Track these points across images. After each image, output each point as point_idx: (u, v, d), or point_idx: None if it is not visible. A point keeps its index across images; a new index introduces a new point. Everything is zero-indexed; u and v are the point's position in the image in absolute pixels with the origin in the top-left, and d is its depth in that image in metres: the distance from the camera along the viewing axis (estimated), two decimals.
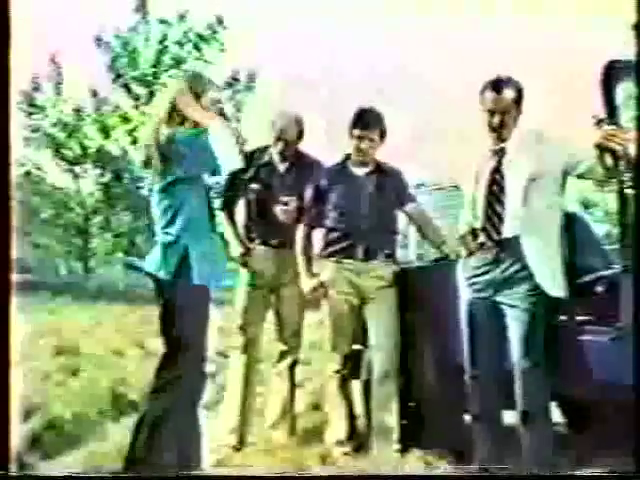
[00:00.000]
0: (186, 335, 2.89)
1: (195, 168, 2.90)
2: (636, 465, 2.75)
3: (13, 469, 2.90)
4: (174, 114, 2.92)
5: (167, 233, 2.92)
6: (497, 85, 2.98)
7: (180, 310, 2.89)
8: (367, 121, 3.52)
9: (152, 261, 2.96)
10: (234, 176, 3.90)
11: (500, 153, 3.02)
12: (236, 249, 3.84)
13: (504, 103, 2.97)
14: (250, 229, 3.88)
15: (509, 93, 2.98)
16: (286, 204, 3.72)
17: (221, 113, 3.00)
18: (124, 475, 2.89)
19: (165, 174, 2.91)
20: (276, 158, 3.84)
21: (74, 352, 6.00)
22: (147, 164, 2.93)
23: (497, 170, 3.01)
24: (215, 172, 2.93)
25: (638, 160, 2.81)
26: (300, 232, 3.64)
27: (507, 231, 2.97)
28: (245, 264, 3.83)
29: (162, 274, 2.92)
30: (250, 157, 3.81)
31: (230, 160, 2.85)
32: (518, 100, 3.00)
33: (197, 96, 2.94)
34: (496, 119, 2.97)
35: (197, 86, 2.97)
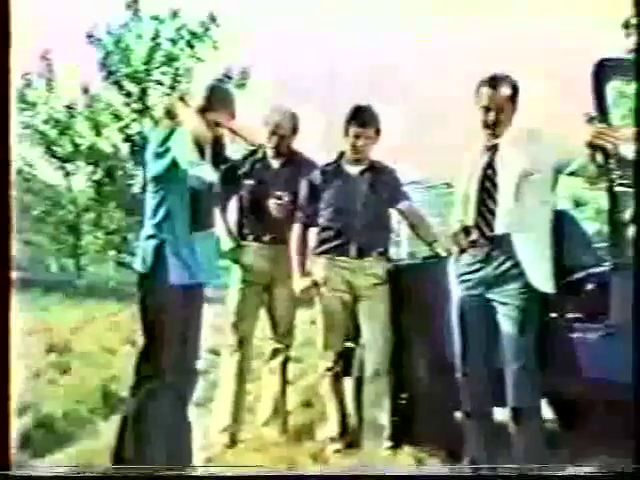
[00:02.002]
0: (163, 332, 2.87)
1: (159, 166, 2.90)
2: (635, 462, 2.75)
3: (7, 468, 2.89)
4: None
5: (148, 226, 2.94)
6: (493, 82, 3.00)
7: (156, 306, 2.88)
8: (364, 119, 3.53)
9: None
10: (227, 172, 3.90)
11: (493, 150, 3.04)
12: (227, 245, 3.84)
13: (499, 100, 2.99)
14: (243, 225, 3.88)
15: (505, 90, 2.99)
16: (280, 198, 3.72)
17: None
18: (116, 475, 2.88)
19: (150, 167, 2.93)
20: (270, 153, 3.84)
21: (65, 350, 5.98)
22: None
23: (489, 166, 3.02)
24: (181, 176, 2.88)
25: (638, 158, 2.82)
26: (294, 231, 3.65)
27: (499, 228, 2.99)
28: (236, 260, 3.83)
29: (139, 267, 2.92)
30: (245, 156, 3.83)
31: (193, 165, 2.82)
32: (513, 97, 3.02)
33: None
34: (491, 115, 2.99)
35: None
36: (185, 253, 2.89)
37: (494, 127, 3.00)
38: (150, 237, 2.92)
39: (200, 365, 3.02)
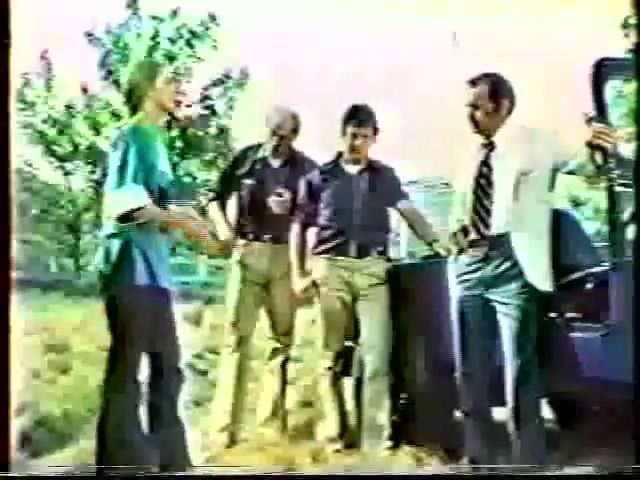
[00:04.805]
0: (132, 333, 2.80)
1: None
2: (635, 462, 2.75)
3: (7, 468, 2.89)
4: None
5: (110, 224, 2.84)
6: (474, 81, 3.03)
7: (124, 306, 2.79)
8: (361, 118, 3.53)
9: (98, 255, 2.89)
10: (228, 171, 3.91)
11: (489, 148, 3.04)
12: (225, 245, 3.83)
13: (481, 98, 3.00)
14: (243, 225, 3.88)
15: (484, 88, 3.00)
16: (280, 195, 3.72)
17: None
18: (115, 475, 2.87)
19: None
20: (270, 153, 3.84)
21: (64, 349, 5.99)
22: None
23: (485, 163, 3.02)
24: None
25: (637, 157, 2.82)
26: (293, 230, 3.65)
27: (497, 227, 2.99)
28: (230, 256, 3.83)
29: (103, 267, 2.83)
30: (244, 154, 3.85)
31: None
32: (493, 94, 3.02)
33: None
34: (477, 114, 3.01)
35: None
36: (148, 253, 2.82)
37: (481, 125, 3.01)
38: (113, 231, 2.83)
39: (184, 364, 2.97)
